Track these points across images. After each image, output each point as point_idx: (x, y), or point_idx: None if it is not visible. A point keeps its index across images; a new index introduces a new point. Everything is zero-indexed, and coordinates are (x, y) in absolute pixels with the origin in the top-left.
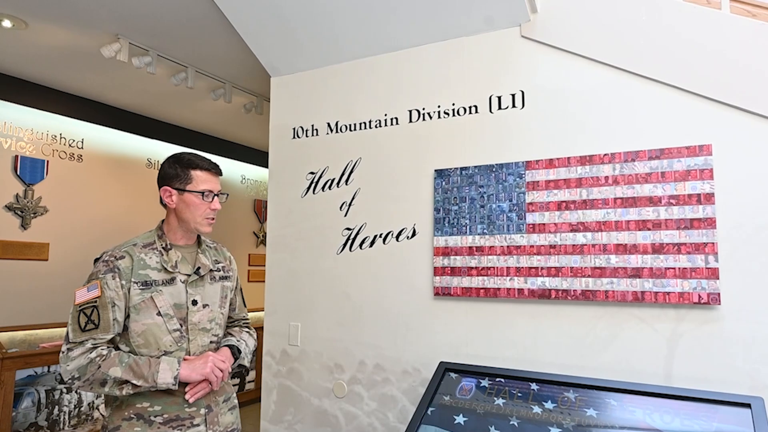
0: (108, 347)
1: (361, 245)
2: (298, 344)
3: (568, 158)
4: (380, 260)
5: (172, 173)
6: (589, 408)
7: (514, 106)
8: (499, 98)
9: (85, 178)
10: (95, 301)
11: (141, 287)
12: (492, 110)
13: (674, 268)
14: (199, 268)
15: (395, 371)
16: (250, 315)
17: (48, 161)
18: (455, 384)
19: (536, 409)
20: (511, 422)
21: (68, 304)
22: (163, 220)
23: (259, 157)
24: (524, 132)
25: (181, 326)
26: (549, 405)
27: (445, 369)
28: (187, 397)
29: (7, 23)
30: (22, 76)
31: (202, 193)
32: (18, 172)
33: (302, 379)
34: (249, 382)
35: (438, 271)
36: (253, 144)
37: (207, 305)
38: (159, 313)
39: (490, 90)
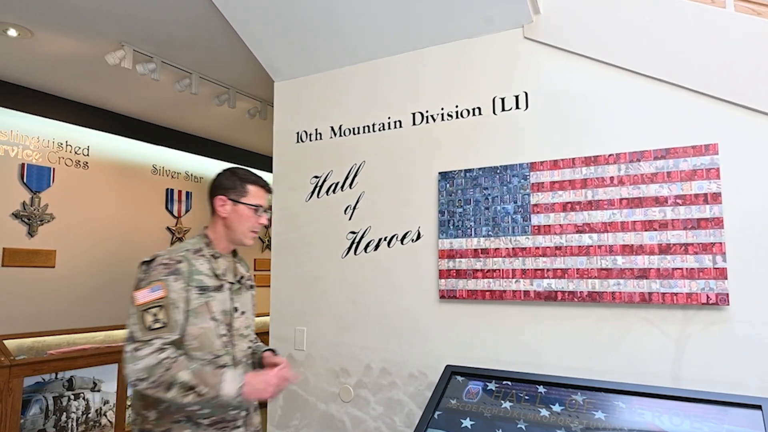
0: (175, 351)
1: (366, 249)
2: (304, 349)
3: (573, 159)
4: (385, 264)
5: (229, 184)
6: (598, 411)
7: (518, 107)
8: (503, 100)
9: (91, 185)
10: (160, 301)
11: (199, 292)
12: (496, 112)
13: (681, 269)
14: (242, 276)
15: (401, 375)
16: (256, 320)
17: (54, 169)
18: (462, 387)
19: (544, 412)
20: (519, 425)
21: (75, 311)
22: (205, 228)
23: (264, 162)
24: (528, 133)
25: (227, 332)
26: (557, 408)
27: (451, 372)
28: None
29: (12, 32)
30: (28, 85)
31: (256, 207)
32: (24, 180)
33: (308, 384)
34: None
35: (443, 274)
36: (258, 149)
37: (244, 312)
38: (212, 318)
39: (493, 92)
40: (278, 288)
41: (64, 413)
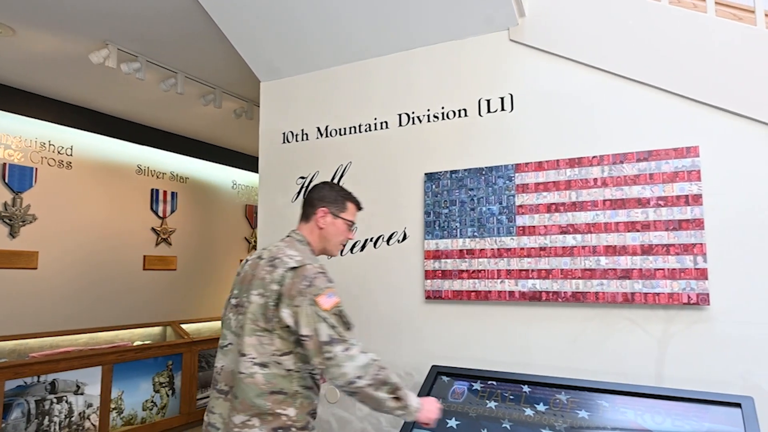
0: None
1: (351, 250)
2: None
3: (557, 161)
4: (371, 264)
5: (331, 199)
6: (581, 410)
7: (503, 109)
8: (489, 101)
9: (74, 186)
10: (340, 305)
11: None
12: (481, 113)
13: (663, 269)
14: None
15: None
16: None
17: (36, 169)
18: (447, 387)
19: (528, 412)
20: (504, 425)
21: (58, 313)
22: (298, 233)
23: (250, 162)
24: (513, 135)
25: None
26: (541, 407)
27: (437, 372)
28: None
29: None
30: (10, 83)
31: (351, 223)
32: (6, 180)
33: None
34: None
35: (429, 275)
36: (244, 149)
37: None
38: None
39: (479, 93)
40: None
41: (47, 417)
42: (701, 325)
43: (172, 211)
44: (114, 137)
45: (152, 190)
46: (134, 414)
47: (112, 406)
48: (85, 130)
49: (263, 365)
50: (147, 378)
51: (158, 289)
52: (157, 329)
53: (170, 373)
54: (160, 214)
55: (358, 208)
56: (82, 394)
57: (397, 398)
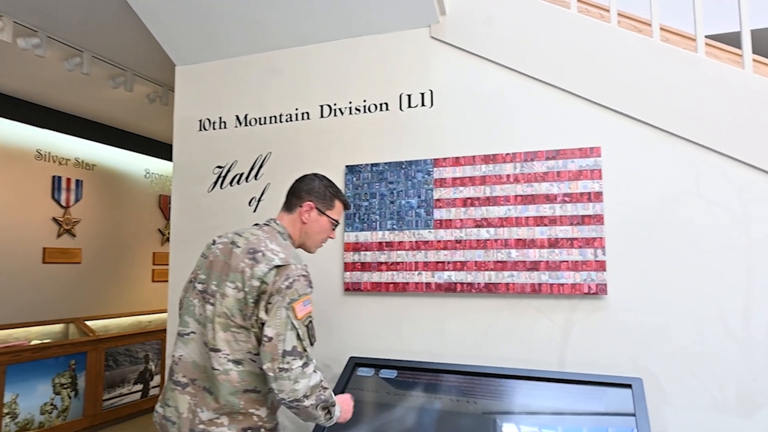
0: None
1: None
2: None
3: (474, 156)
4: None
5: (321, 194)
6: (493, 395)
7: (423, 104)
8: (410, 96)
9: None
10: (311, 316)
11: None
12: (402, 108)
13: (568, 261)
14: None
15: None
16: (155, 317)
17: None
18: (365, 378)
19: (444, 399)
20: (421, 413)
21: None
22: (279, 225)
23: (165, 150)
24: (433, 130)
25: None
26: (455, 394)
27: (354, 364)
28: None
29: None
30: None
31: (335, 222)
32: None
33: None
34: (153, 387)
35: (348, 267)
36: (158, 136)
37: None
38: None
39: (400, 88)
40: (177, 284)
41: None
42: (599, 314)
43: (77, 200)
44: (10, 119)
45: (54, 177)
46: (31, 418)
47: (5, 410)
48: None
49: (237, 362)
50: (46, 379)
51: (60, 283)
52: (58, 327)
53: (73, 373)
54: (63, 203)
55: (346, 207)
56: None
57: (328, 413)
